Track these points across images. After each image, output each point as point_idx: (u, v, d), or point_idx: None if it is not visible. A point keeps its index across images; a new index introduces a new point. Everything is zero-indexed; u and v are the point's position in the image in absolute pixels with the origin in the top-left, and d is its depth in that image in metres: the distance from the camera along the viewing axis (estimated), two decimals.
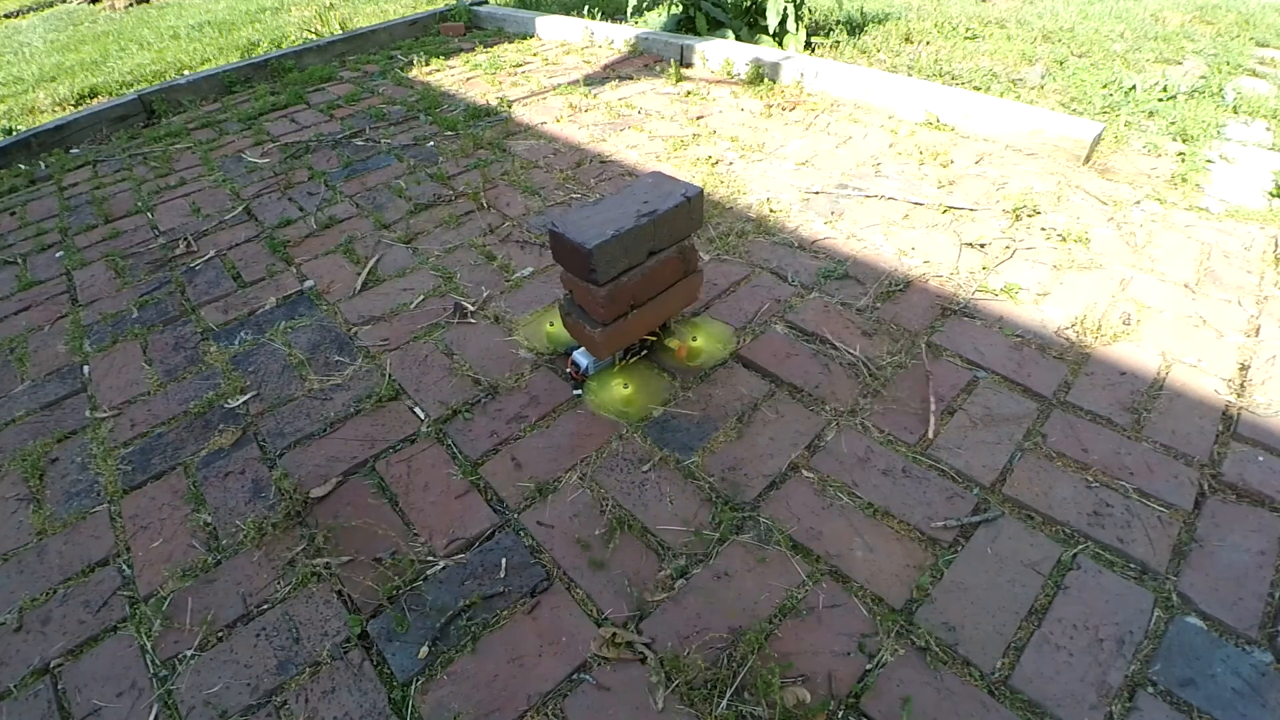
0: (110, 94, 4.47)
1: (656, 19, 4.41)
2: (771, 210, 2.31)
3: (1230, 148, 2.54)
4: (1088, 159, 2.44)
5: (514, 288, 2.06)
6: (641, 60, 3.85)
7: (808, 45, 3.84)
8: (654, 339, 1.74)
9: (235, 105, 3.85)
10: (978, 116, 2.66)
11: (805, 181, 2.46)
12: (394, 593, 1.26)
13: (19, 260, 2.53)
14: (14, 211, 2.92)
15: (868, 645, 1.12)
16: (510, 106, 3.36)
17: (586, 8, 5.00)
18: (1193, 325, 1.71)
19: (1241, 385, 1.54)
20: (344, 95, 3.76)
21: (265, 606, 1.27)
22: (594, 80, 3.61)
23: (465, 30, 4.87)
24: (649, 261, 1.53)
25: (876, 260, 2.02)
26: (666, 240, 1.54)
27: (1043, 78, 3.23)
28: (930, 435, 1.47)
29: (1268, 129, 2.69)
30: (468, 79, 3.85)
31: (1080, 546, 1.24)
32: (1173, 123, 2.71)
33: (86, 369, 1.93)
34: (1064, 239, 2.04)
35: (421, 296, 2.05)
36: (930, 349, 1.69)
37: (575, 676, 1.12)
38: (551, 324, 1.87)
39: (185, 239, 2.50)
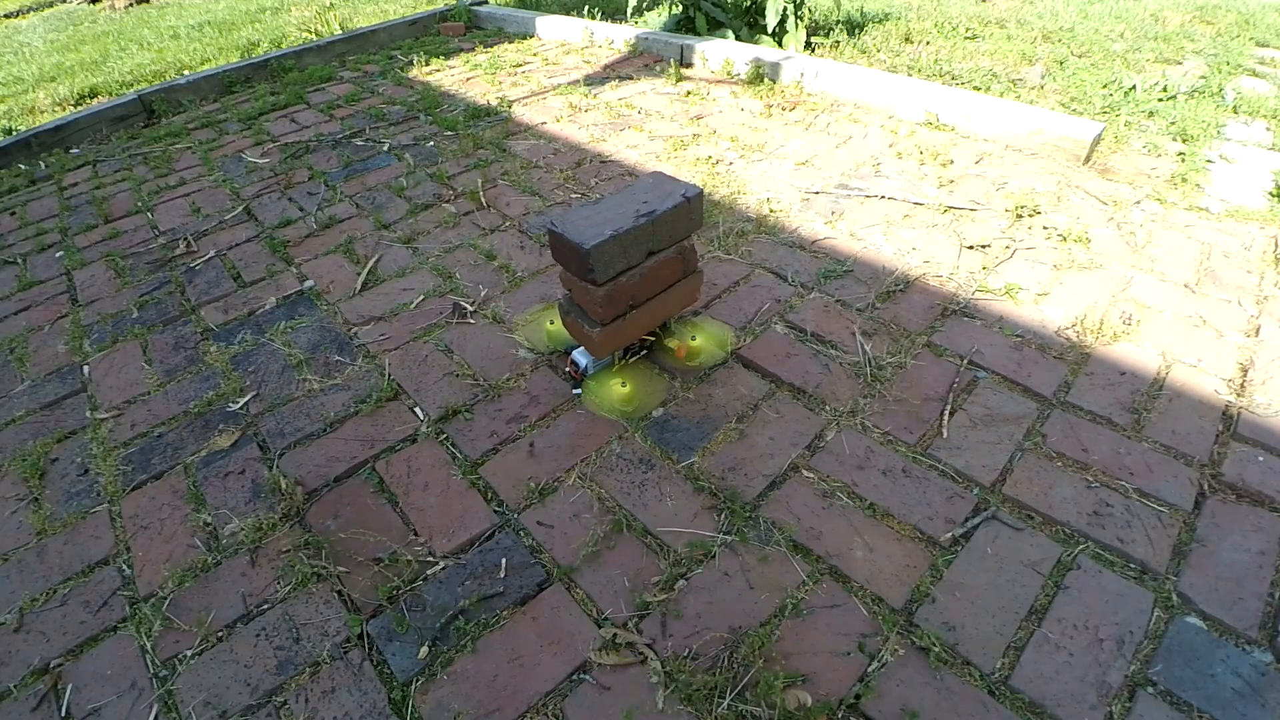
0: (110, 94, 4.47)
1: (656, 19, 4.41)
2: (771, 210, 2.31)
3: (1230, 148, 2.54)
4: (1088, 159, 2.44)
5: (514, 287, 2.06)
6: (641, 60, 3.85)
7: (808, 45, 3.84)
8: (653, 339, 1.74)
9: (235, 105, 3.85)
10: (978, 116, 2.66)
11: (805, 181, 2.46)
12: (394, 593, 1.26)
13: (19, 260, 2.53)
14: (14, 211, 2.92)
15: (868, 645, 1.12)
16: (510, 106, 3.36)
17: (586, 8, 5.00)
18: (1193, 325, 1.71)
19: (1241, 385, 1.54)
20: (344, 95, 3.76)
21: (265, 606, 1.27)
22: (594, 80, 3.61)
23: (465, 30, 4.87)
24: (648, 262, 1.53)
25: (877, 260, 2.02)
26: (666, 241, 1.54)
27: (1043, 78, 3.23)
28: (944, 435, 1.47)
29: (1268, 129, 2.69)
30: (468, 79, 3.85)
31: (1080, 546, 1.24)
32: (1173, 123, 2.71)
33: (86, 369, 1.93)
34: (1064, 239, 2.04)
35: (421, 296, 2.05)
36: (930, 349, 1.69)
37: (575, 676, 1.12)
38: (551, 323, 1.87)
39: (185, 239, 2.50)
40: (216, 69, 4.16)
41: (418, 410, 1.66)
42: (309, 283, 2.17)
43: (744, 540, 1.30)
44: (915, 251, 2.04)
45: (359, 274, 2.18)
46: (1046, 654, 1.09)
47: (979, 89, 3.07)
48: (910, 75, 3.27)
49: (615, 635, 1.16)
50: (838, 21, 4.19)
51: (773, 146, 2.73)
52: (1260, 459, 1.37)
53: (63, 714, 1.14)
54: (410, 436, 1.59)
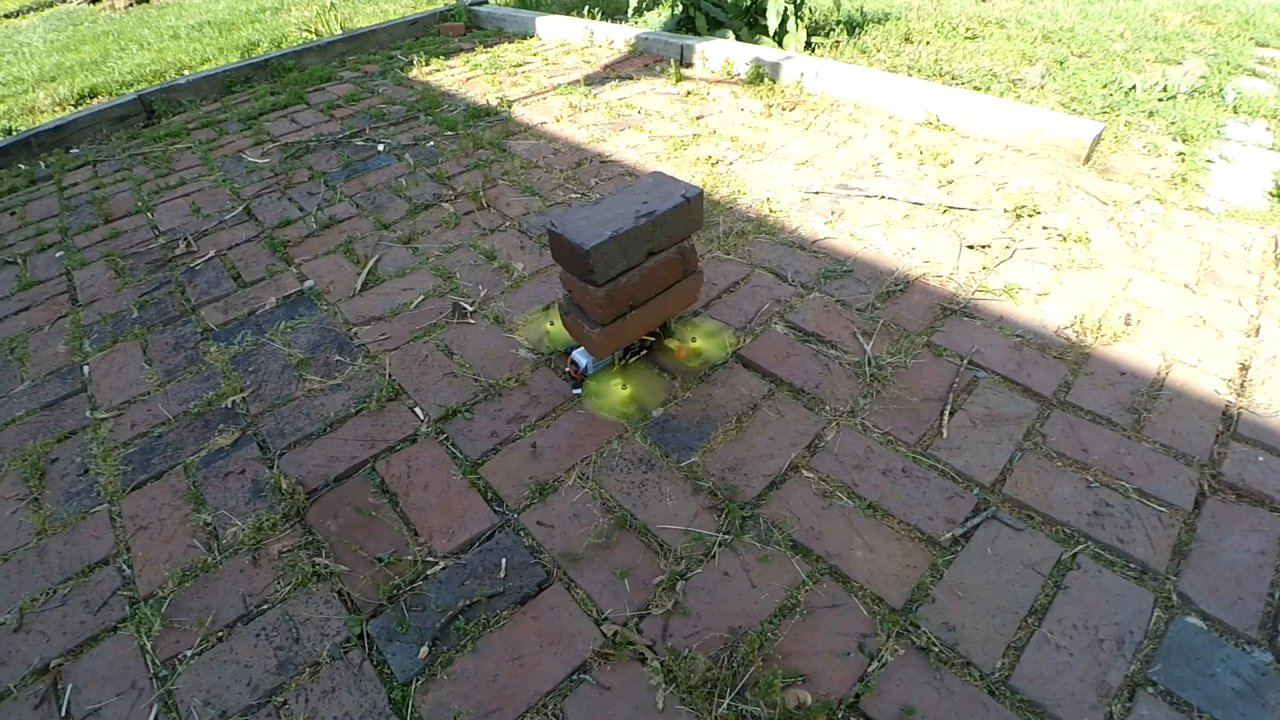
0: (110, 94, 4.47)
1: (656, 19, 4.41)
2: (771, 210, 2.31)
3: (1230, 148, 2.54)
4: (1088, 159, 2.44)
5: (514, 287, 2.06)
6: (641, 60, 3.85)
7: (808, 45, 3.84)
8: (654, 339, 1.74)
9: (235, 105, 3.85)
10: (978, 116, 2.66)
11: (805, 181, 2.46)
12: (394, 593, 1.26)
13: (19, 260, 2.53)
14: (14, 211, 2.92)
15: (868, 645, 1.12)
16: (510, 106, 3.36)
17: (586, 8, 5.00)
18: (1193, 325, 1.71)
19: (1241, 385, 1.54)
20: (344, 95, 3.76)
21: (265, 606, 1.27)
22: (594, 80, 3.61)
23: (465, 30, 4.87)
24: (648, 262, 1.53)
25: (877, 260, 2.02)
26: (666, 241, 1.54)
27: (1043, 78, 3.23)
28: (944, 435, 1.47)
29: (1268, 129, 2.69)
30: (468, 79, 3.85)
31: (1080, 546, 1.24)
32: (1173, 123, 2.70)
33: (86, 369, 1.93)
34: (1064, 239, 2.04)
35: (421, 296, 2.05)
36: (930, 349, 1.69)
37: (575, 676, 1.12)
38: (551, 323, 1.87)
39: (185, 239, 2.50)
40: (216, 69, 4.16)
41: (418, 410, 1.66)
42: (309, 283, 2.17)
43: (744, 540, 1.30)
44: (915, 251, 2.04)
45: (359, 274, 2.18)
46: (1046, 654, 1.09)
47: (979, 89, 3.07)
48: (910, 75, 3.27)
49: (615, 635, 1.16)
50: (838, 21, 4.19)
51: (773, 146, 2.73)
52: (1260, 459, 1.37)
53: (63, 714, 1.14)
54: (410, 436, 1.59)
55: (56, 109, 4.35)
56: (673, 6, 4.31)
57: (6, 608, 1.32)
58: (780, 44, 3.78)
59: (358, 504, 1.44)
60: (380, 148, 3.06)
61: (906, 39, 3.92)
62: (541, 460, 1.49)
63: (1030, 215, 2.16)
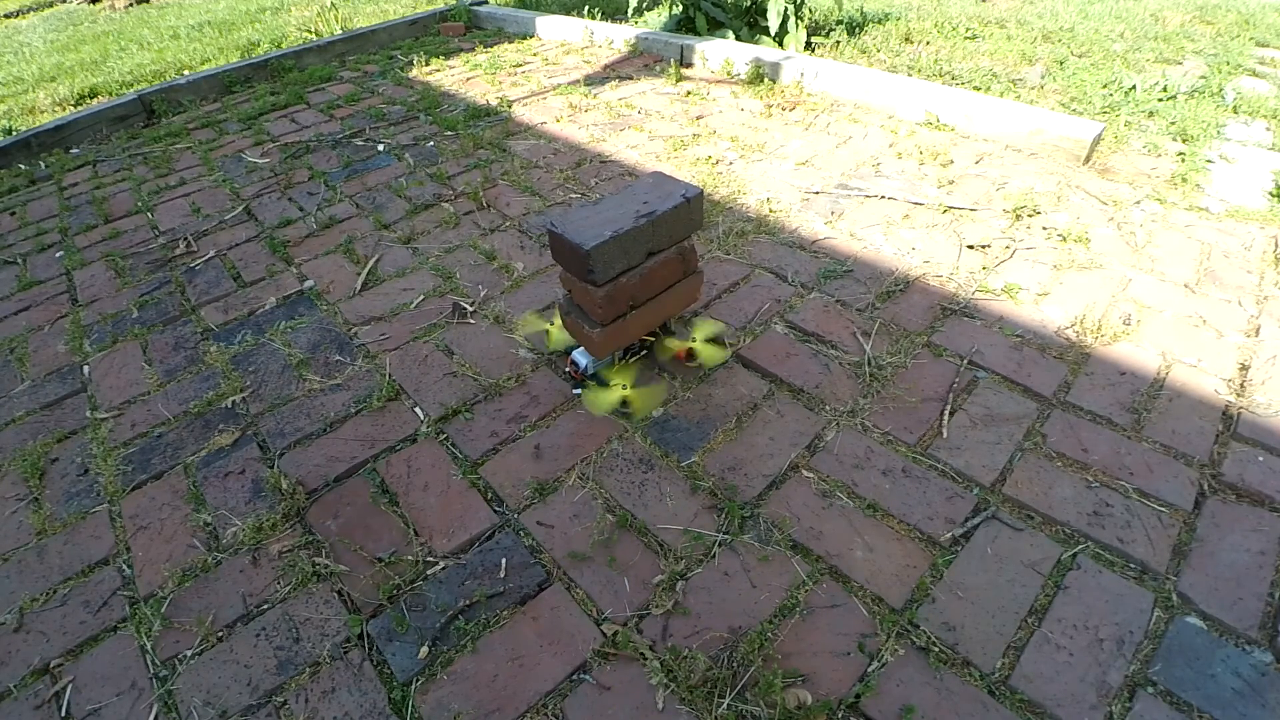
0: (110, 94, 4.47)
1: (656, 19, 4.42)
2: (771, 210, 2.31)
3: (1230, 148, 2.54)
4: (1088, 159, 2.44)
5: (514, 287, 2.06)
6: (641, 60, 3.85)
7: (808, 45, 3.84)
8: (654, 339, 1.74)
9: (235, 105, 3.85)
10: (978, 116, 2.66)
11: (805, 181, 2.46)
12: (394, 593, 1.26)
13: (19, 260, 2.53)
14: (14, 211, 2.92)
15: (868, 645, 1.12)
16: (510, 106, 3.36)
17: (586, 8, 5.00)
18: (1193, 325, 1.71)
19: (1241, 385, 1.54)
20: (344, 95, 3.76)
21: (265, 606, 1.27)
22: (594, 80, 3.61)
23: (465, 30, 4.87)
24: (648, 262, 1.53)
25: (877, 260, 2.02)
26: (666, 241, 1.54)
27: (1043, 78, 3.23)
28: (944, 435, 1.47)
29: (1268, 129, 2.69)
30: (468, 79, 3.85)
31: (1080, 546, 1.24)
32: (1173, 123, 2.71)
33: (86, 369, 1.93)
34: (1064, 239, 2.04)
35: (421, 296, 2.05)
36: (930, 349, 1.69)
37: (575, 676, 1.12)
38: (551, 323, 1.87)
39: (185, 239, 2.50)
40: (216, 69, 4.16)
41: (418, 410, 1.66)
42: (309, 283, 2.17)
43: (744, 540, 1.30)
44: (915, 251, 2.04)
45: (359, 274, 2.18)
46: (1046, 654, 1.09)
47: (979, 89, 3.07)
48: (910, 75, 3.27)
49: (615, 635, 1.16)
50: (838, 21, 4.19)
51: (773, 146, 2.73)
52: (1260, 459, 1.37)
53: (63, 714, 1.14)
54: (410, 436, 1.59)
55: (56, 109, 4.35)
56: (672, 6, 4.31)
57: (6, 608, 1.32)
58: (780, 44, 3.78)
59: (358, 504, 1.44)
60: (380, 148, 3.06)
61: (906, 39, 3.92)
62: (541, 460, 1.49)
63: (1030, 215, 2.16)
